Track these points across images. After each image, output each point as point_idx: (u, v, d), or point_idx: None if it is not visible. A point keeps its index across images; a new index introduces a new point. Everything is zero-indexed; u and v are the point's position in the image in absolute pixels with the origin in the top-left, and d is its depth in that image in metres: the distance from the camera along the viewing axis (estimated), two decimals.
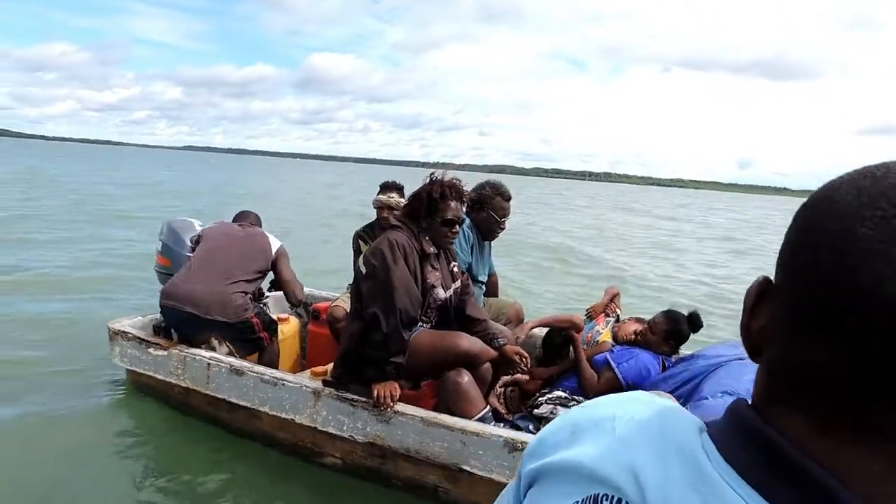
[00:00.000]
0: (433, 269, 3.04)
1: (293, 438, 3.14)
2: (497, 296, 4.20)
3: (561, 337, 3.64)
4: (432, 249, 3.02)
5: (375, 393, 2.84)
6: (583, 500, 0.45)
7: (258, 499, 2.88)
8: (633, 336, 3.47)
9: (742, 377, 2.81)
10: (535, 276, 9.75)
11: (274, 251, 3.85)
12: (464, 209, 3.15)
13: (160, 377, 3.48)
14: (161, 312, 3.57)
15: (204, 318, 3.39)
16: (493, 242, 3.93)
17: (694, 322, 3.37)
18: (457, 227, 3.05)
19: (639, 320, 3.62)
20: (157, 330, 3.69)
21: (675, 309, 3.49)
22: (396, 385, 2.88)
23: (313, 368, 3.33)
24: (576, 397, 3.29)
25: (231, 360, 3.28)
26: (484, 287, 3.88)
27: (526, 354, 3.19)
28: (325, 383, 3.05)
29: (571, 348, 3.54)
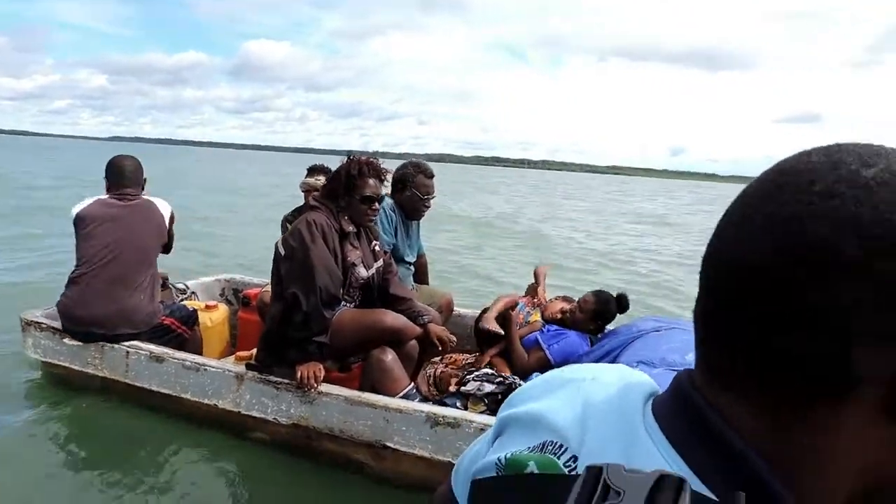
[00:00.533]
0: (353, 247, 3.05)
1: (217, 423, 3.10)
2: (427, 279, 4.23)
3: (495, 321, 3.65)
4: (352, 228, 3.03)
5: (298, 374, 2.83)
6: (534, 446, 0.49)
7: (189, 475, 2.83)
8: (559, 315, 3.56)
9: (659, 347, 2.92)
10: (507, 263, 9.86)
11: (167, 220, 3.59)
12: (383, 187, 3.15)
13: (77, 368, 3.37)
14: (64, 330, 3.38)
15: (112, 334, 3.27)
16: (421, 222, 3.95)
17: (621, 303, 3.49)
18: (376, 204, 3.06)
19: (566, 299, 3.71)
20: None
21: (604, 290, 3.60)
22: (320, 366, 2.88)
23: (238, 353, 3.29)
24: (502, 374, 3.36)
25: (151, 346, 3.20)
26: (412, 269, 3.90)
27: (451, 336, 3.23)
28: (248, 367, 3.02)
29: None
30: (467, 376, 3.40)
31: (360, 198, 3.02)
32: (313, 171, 4.19)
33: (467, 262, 9.36)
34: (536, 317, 3.66)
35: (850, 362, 0.37)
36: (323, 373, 2.88)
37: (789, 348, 0.38)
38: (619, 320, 3.61)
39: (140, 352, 3.17)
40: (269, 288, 4.01)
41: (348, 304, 3.11)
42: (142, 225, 3.45)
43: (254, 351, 3.35)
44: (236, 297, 4.59)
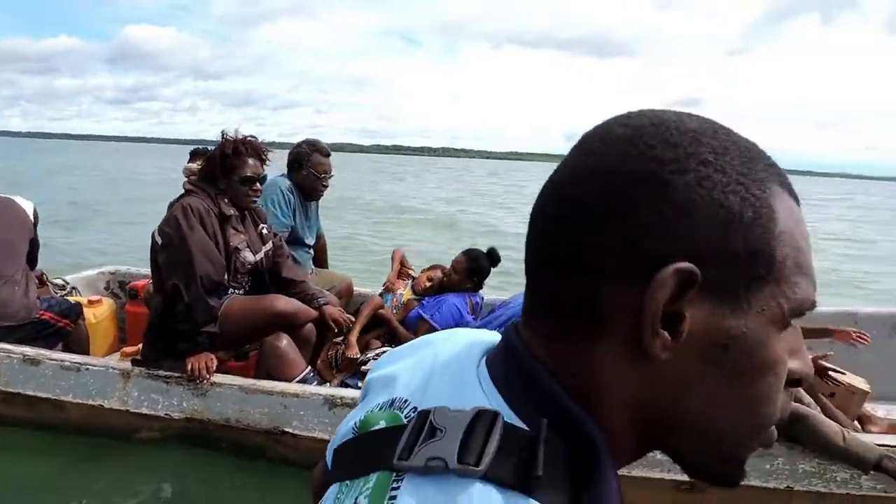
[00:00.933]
0: (236, 231, 2.94)
1: (104, 425, 2.95)
2: (327, 262, 4.16)
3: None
4: (233, 211, 2.92)
5: (189, 367, 2.73)
6: (384, 403, 0.51)
7: (75, 489, 2.68)
8: (427, 283, 3.60)
9: None
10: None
11: (32, 215, 3.35)
12: (264, 167, 3.05)
13: None
14: None
15: None
16: (320, 203, 3.85)
17: (492, 257, 3.56)
18: (257, 184, 2.96)
19: (433, 268, 3.75)
20: None
21: (473, 248, 3.65)
22: (212, 356, 2.79)
23: (123, 349, 3.13)
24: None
25: (24, 348, 2.99)
26: (311, 252, 3.82)
27: (347, 317, 3.20)
28: (135, 362, 2.89)
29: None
30: (368, 355, 3.40)
31: (238, 179, 2.91)
32: (195, 155, 4.02)
33: (372, 246, 9.30)
34: (409, 294, 3.69)
35: (599, 301, 0.41)
36: (215, 363, 2.79)
37: (556, 286, 0.43)
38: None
39: (12, 355, 2.95)
40: None
41: (237, 291, 3.01)
42: (3, 219, 3.21)
43: (139, 347, 3.19)
44: (123, 289, 4.35)
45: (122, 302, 4.16)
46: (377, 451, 0.46)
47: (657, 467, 2.35)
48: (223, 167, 2.91)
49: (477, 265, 3.52)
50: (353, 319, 3.34)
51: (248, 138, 2.99)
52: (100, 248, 7.35)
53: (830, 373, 2.66)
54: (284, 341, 2.88)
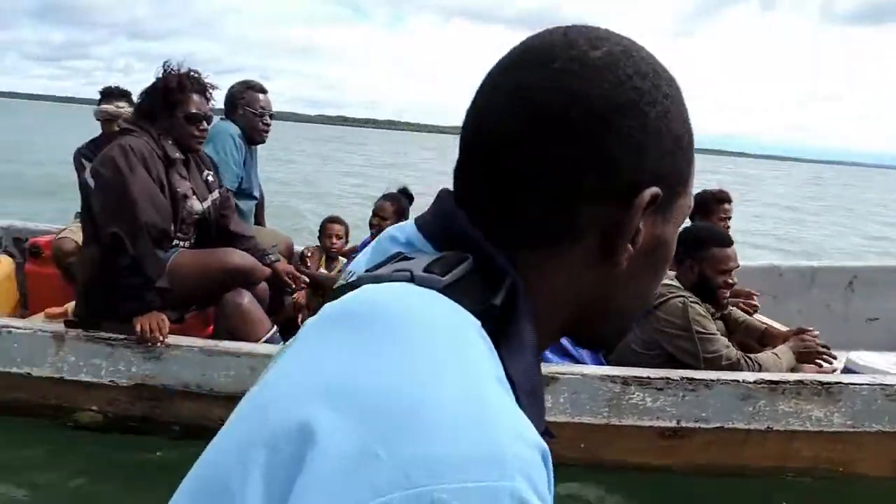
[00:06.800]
0: (181, 177, 2.65)
1: (32, 397, 2.57)
2: (264, 219, 3.87)
3: None
4: (178, 154, 2.62)
5: (139, 328, 2.42)
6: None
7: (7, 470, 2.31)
8: (337, 240, 3.60)
9: None
10: None
11: None
12: (209, 105, 2.76)
13: None
14: None
15: None
16: (259, 150, 3.54)
17: (407, 194, 3.53)
18: (203, 123, 2.68)
19: (334, 221, 3.71)
20: None
21: (388, 192, 3.58)
22: (163, 316, 2.50)
23: (47, 310, 2.74)
24: None
25: None
26: (254, 204, 3.53)
27: (298, 274, 3.03)
28: (69, 324, 2.53)
29: None
30: None
31: (184, 116, 2.62)
32: (110, 95, 3.55)
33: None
34: (338, 267, 3.60)
35: (574, 217, 0.44)
36: (167, 324, 2.50)
37: (525, 203, 0.45)
38: None
39: None
40: (66, 233, 3.40)
41: (182, 244, 2.72)
42: None
43: (67, 307, 2.81)
44: (18, 247, 3.81)
45: (19, 262, 3.65)
46: (338, 293, 0.46)
47: (646, 415, 2.40)
48: (166, 103, 2.61)
49: (401, 206, 3.45)
50: (307, 279, 3.15)
51: (192, 72, 2.68)
52: None
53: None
54: (247, 298, 2.64)
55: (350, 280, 0.50)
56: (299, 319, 3.30)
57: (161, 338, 2.45)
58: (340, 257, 3.66)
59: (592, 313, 0.49)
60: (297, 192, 12.59)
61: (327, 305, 0.44)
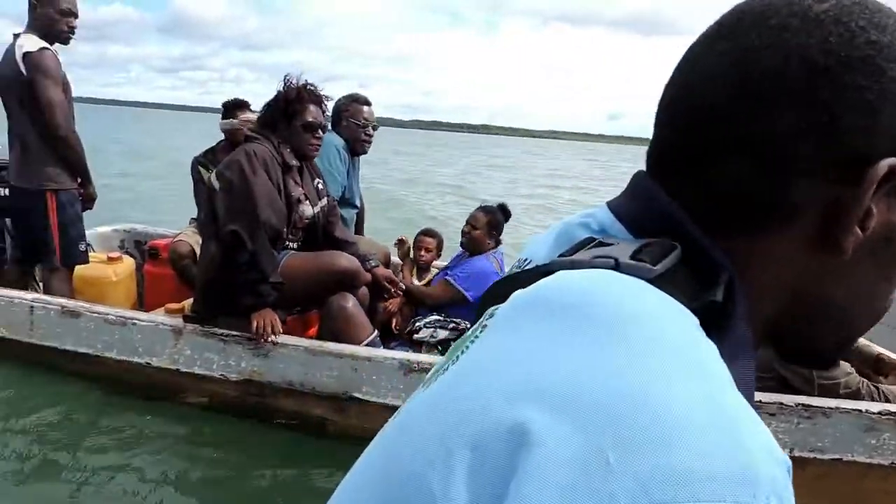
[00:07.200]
0: (296, 183, 2.77)
1: (149, 385, 2.73)
2: (363, 229, 3.99)
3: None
4: (295, 162, 2.75)
5: (255, 324, 2.53)
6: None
7: (112, 454, 2.46)
8: (427, 254, 3.61)
9: None
10: None
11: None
12: (323, 116, 2.89)
13: None
14: None
15: None
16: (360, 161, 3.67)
17: (505, 210, 3.49)
18: (319, 132, 2.80)
19: (427, 234, 3.71)
20: None
21: (485, 204, 3.55)
22: (275, 315, 2.61)
23: (167, 305, 2.91)
24: (454, 319, 3.24)
25: (61, 300, 2.75)
26: (355, 213, 3.65)
27: (397, 281, 3.09)
28: (186, 319, 2.68)
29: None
30: (417, 324, 3.25)
31: (301, 125, 2.75)
32: (234, 107, 3.76)
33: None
34: (428, 278, 3.65)
35: (788, 192, 0.39)
36: (279, 323, 2.61)
37: (732, 178, 0.40)
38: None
39: (49, 306, 2.71)
40: (182, 237, 3.62)
41: (291, 245, 2.84)
42: None
43: (185, 303, 2.98)
44: (139, 248, 4.09)
45: (139, 263, 3.91)
46: (519, 281, 0.41)
47: None
48: (285, 113, 2.75)
49: (495, 218, 3.43)
50: (404, 285, 3.22)
51: (308, 84, 2.82)
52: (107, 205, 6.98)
53: None
54: (351, 301, 2.71)
55: (527, 267, 0.46)
56: (393, 325, 3.38)
57: (274, 336, 2.56)
58: (432, 268, 3.73)
59: (806, 313, 0.43)
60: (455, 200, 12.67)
61: (518, 293, 0.39)
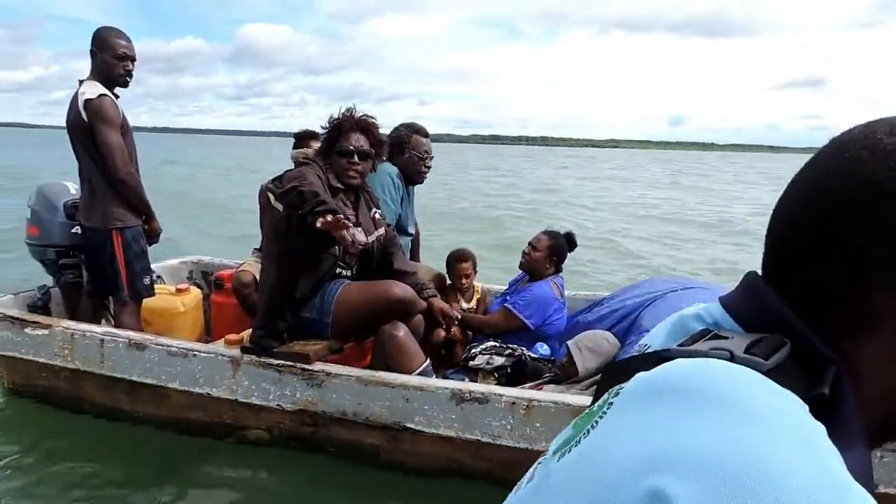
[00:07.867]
0: (345, 206, 2.80)
1: (208, 416, 2.81)
2: (419, 257, 3.99)
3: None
4: (339, 185, 2.79)
5: (320, 223, 2.32)
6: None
7: (176, 488, 2.53)
8: (465, 280, 3.66)
9: (680, 307, 2.80)
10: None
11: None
12: (376, 146, 2.88)
13: (42, 360, 2.98)
14: None
15: None
16: (416, 191, 3.70)
17: (570, 239, 3.44)
18: (354, 157, 2.79)
19: (460, 259, 3.72)
20: (34, 308, 3.18)
21: (551, 228, 3.53)
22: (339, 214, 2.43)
23: (227, 336, 2.99)
24: (510, 345, 3.18)
25: (129, 333, 2.86)
26: (410, 241, 3.67)
27: (452, 315, 3.04)
28: (245, 350, 2.74)
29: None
30: (473, 350, 3.21)
31: (338, 151, 2.79)
32: (305, 137, 3.86)
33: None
34: (476, 297, 3.72)
35: (868, 300, 0.44)
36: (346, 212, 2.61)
37: (820, 286, 0.46)
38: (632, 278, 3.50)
39: (118, 338, 2.83)
40: (245, 267, 3.71)
41: (345, 272, 2.85)
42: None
43: (244, 334, 3.05)
44: (206, 279, 4.24)
45: (205, 293, 4.05)
46: (639, 364, 0.46)
47: None
48: (329, 140, 2.83)
49: (558, 243, 3.39)
50: (458, 315, 3.19)
51: (362, 116, 2.86)
52: (175, 238, 7.31)
53: None
54: (402, 331, 2.70)
55: (647, 352, 0.51)
56: (454, 355, 3.35)
57: (348, 222, 2.37)
58: (475, 288, 3.76)
59: None
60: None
61: (642, 375, 0.44)
